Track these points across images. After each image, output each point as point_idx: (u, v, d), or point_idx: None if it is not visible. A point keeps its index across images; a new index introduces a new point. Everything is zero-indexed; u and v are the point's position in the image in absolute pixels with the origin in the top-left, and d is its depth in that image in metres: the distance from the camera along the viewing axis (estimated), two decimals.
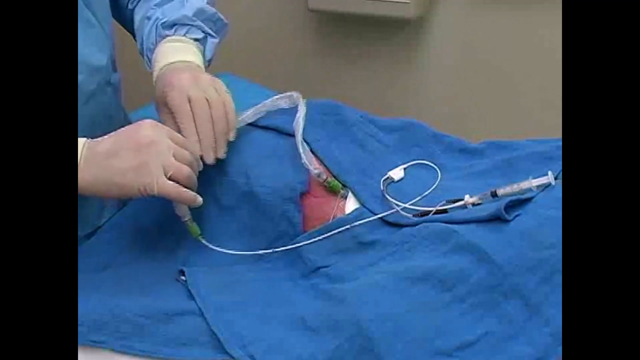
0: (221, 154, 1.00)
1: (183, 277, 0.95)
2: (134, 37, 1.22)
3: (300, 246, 0.97)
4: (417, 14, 1.81)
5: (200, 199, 0.95)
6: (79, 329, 0.83)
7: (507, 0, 1.79)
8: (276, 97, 1.11)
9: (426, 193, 1.01)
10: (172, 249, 1.02)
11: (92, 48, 1.07)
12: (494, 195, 0.96)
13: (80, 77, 1.03)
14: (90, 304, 0.87)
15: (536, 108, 1.83)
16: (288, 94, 1.10)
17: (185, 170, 0.92)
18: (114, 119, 1.17)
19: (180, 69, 1.04)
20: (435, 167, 1.07)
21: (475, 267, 0.85)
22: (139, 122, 0.93)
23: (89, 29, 1.06)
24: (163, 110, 1.03)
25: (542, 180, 0.95)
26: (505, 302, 0.83)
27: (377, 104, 1.79)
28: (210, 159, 0.99)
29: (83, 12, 1.05)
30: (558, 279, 0.81)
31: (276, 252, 0.97)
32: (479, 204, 0.96)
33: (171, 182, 0.90)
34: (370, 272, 0.92)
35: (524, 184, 0.95)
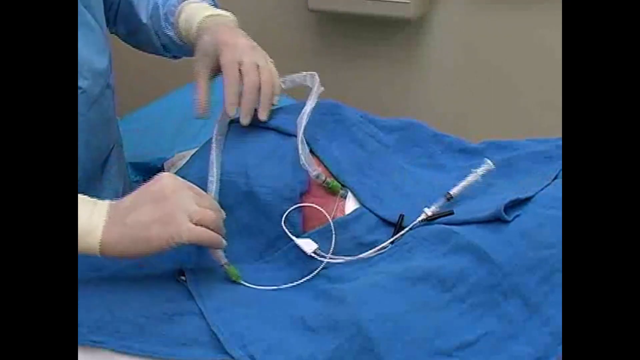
0: (264, 117, 1.05)
1: (183, 277, 0.95)
2: (113, 16, 1.23)
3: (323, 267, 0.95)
4: (417, 14, 1.81)
5: (225, 242, 0.92)
6: (79, 329, 0.83)
7: (507, 0, 1.79)
8: (302, 73, 1.13)
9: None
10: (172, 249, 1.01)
11: (94, 51, 1.07)
12: (449, 198, 0.97)
13: (86, 83, 1.04)
14: (91, 305, 0.87)
15: (536, 108, 1.83)
16: (310, 72, 1.12)
17: (210, 214, 0.90)
18: (111, 122, 1.18)
19: (231, 27, 1.11)
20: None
21: (475, 267, 0.85)
22: (158, 175, 0.92)
23: (90, 32, 1.07)
24: (203, 60, 1.06)
25: (484, 168, 0.99)
26: (505, 301, 0.83)
27: (377, 104, 1.78)
28: (245, 121, 1.04)
29: (84, 16, 1.06)
30: (558, 278, 0.81)
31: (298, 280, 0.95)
32: (438, 215, 0.95)
33: (200, 227, 0.88)
34: (370, 272, 0.92)
35: (471, 177, 0.99)
